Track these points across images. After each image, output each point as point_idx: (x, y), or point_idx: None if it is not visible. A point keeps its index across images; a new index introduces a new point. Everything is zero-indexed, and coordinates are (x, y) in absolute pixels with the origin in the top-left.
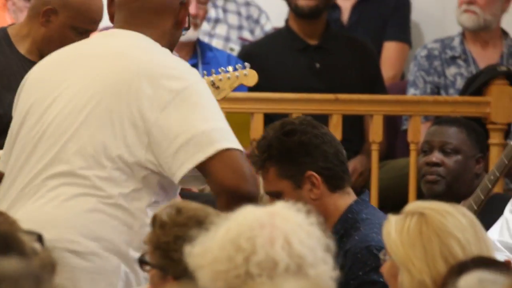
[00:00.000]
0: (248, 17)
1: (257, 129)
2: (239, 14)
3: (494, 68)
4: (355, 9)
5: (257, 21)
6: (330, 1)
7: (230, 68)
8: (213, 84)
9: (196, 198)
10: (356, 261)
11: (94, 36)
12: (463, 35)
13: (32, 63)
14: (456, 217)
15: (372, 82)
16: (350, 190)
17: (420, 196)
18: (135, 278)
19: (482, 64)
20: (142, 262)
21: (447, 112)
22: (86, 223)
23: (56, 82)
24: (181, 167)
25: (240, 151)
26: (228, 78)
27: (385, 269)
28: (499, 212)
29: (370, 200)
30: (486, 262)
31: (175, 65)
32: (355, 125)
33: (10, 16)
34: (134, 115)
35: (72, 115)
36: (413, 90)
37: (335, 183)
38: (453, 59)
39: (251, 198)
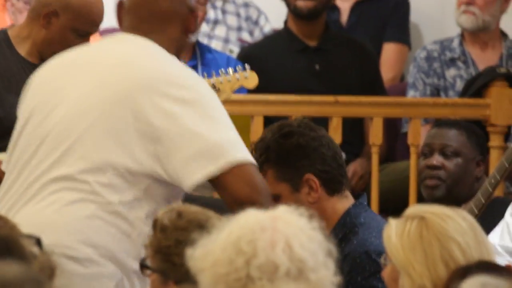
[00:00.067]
0: (247, 18)
1: (257, 131)
2: (238, 15)
3: (494, 70)
4: (354, 10)
5: (256, 23)
6: (329, 2)
7: (230, 70)
8: (213, 87)
9: (196, 201)
10: (355, 266)
11: (102, 39)
12: (462, 36)
13: (32, 65)
14: (456, 221)
15: (371, 84)
16: (348, 193)
17: (421, 199)
18: (130, 286)
19: (481, 66)
20: (143, 266)
21: (447, 114)
22: (84, 229)
23: (60, 86)
24: (191, 177)
25: (253, 163)
26: (229, 80)
27: (386, 273)
28: (500, 216)
29: (371, 203)
30: (488, 267)
31: (183, 73)
32: (355, 128)
33: (9, 17)
34: (140, 124)
35: (76, 120)
36: (412, 92)
37: (333, 186)
38: (453, 61)
39: None
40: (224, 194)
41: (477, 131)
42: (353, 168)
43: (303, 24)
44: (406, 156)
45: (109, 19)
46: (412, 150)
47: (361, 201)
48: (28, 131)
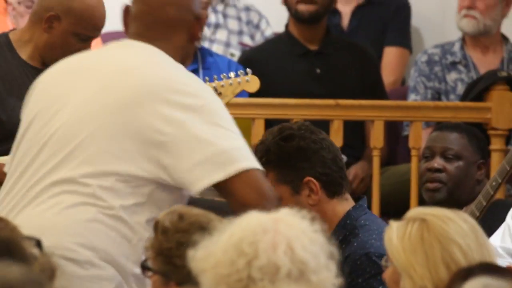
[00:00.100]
0: (248, 22)
1: (258, 134)
2: (239, 19)
3: (495, 74)
4: (355, 14)
5: (257, 26)
6: (330, 6)
7: (232, 74)
8: (215, 90)
9: (197, 203)
10: (355, 268)
11: (107, 45)
12: (463, 40)
13: (33, 69)
14: (457, 223)
15: (372, 88)
16: (348, 196)
17: (422, 201)
18: None
19: (482, 70)
20: (144, 267)
21: (448, 117)
22: (84, 232)
23: (64, 91)
24: (198, 183)
25: (260, 169)
26: (230, 84)
27: (387, 275)
28: (501, 218)
29: (372, 206)
30: (490, 268)
31: (189, 81)
32: (356, 131)
33: (10, 21)
34: (145, 130)
35: (79, 125)
36: (413, 95)
37: (333, 189)
38: (454, 65)
39: None
40: (231, 200)
41: (478, 134)
42: (354, 171)
43: (304, 28)
44: (407, 159)
45: (111, 23)
46: (413, 153)
47: (361, 203)
48: (31, 135)
